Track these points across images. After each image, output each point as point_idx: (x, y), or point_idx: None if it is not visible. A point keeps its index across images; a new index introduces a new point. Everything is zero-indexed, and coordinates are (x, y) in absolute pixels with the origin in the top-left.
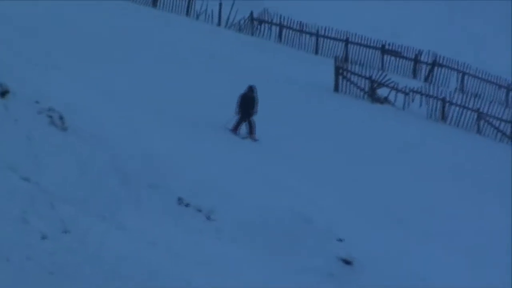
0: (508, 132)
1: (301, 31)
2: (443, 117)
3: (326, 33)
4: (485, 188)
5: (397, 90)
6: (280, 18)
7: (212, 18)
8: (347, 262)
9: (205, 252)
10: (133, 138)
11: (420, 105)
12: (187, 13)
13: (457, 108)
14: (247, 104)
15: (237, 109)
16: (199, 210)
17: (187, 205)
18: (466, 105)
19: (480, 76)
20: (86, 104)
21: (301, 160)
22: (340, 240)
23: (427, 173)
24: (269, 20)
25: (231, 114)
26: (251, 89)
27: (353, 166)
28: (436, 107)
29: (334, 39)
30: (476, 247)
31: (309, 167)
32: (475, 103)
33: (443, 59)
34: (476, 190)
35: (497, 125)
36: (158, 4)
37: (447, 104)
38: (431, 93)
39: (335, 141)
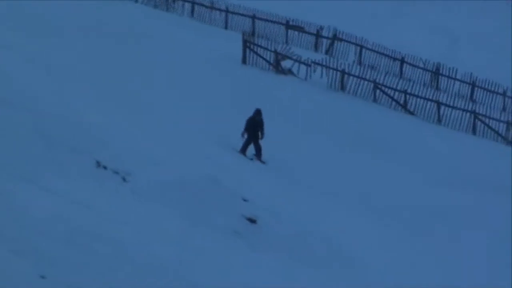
0: (401, 101)
1: (211, 8)
2: (342, 87)
3: (235, 10)
4: (383, 153)
5: (300, 62)
6: None
7: None
8: (251, 221)
9: (122, 210)
10: (59, 107)
11: (321, 76)
12: None
13: (355, 79)
14: (254, 127)
15: (244, 131)
16: (116, 173)
17: (105, 167)
18: (363, 76)
19: (376, 49)
20: (19, 75)
21: (213, 129)
22: (245, 200)
23: (327, 138)
24: None
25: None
26: (258, 113)
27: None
28: (335, 78)
29: (242, 15)
30: (380, 209)
31: (217, 134)
32: (372, 74)
33: (343, 34)
34: (378, 155)
35: (391, 94)
36: None
37: (345, 75)
38: (331, 65)
39: (241, 109)
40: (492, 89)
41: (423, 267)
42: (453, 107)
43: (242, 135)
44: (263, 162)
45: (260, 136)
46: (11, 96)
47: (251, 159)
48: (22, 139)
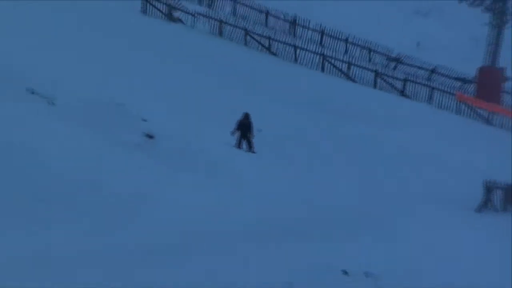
0: (266, 45)
1: None
2: (220, 34)
3: None
4: (253, 88)
5: (187, 13)
6: None
7: None
8: (150, 136)
9: (50, 128)
10: None
11: (204, 24)
12: None
13: (230, 27)
14: (243, 128)
15: (234, 131)
16: (43, 97)
17: (33, 92)
18: (237, 25)
19: (247, 4)
20: None
21: (119, 62)
22: (145, 120)
23: (208, 74)
24: None
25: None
26: (246, 116)
27: (157, 65)
28: (215, 26)
29: None
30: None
31: (124, 67)
32: (243, 23)
33: None
34: (249, 90)
35: (259, 40)
36: None
37: (223, 24)
38: (211, 15)
39: (147, 50)
40: (337, 36)
41: (285, 179)
42: (306, 50)
43: (232, 133)
44: (254, 152)
45: (250, 135)
46: None
47: (246, 151)
48: None
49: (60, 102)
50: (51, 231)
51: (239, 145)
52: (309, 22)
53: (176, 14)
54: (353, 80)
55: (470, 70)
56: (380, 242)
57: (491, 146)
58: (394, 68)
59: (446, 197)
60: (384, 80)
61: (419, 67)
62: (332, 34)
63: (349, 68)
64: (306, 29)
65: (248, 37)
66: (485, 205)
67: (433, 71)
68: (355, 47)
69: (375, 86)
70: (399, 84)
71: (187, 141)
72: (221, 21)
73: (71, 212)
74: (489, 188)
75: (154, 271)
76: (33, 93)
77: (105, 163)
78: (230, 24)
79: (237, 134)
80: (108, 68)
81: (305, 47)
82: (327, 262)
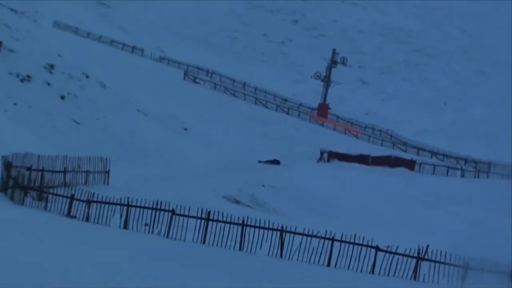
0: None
1: None
2: (215, 88)
3: None
4: None
5: (201, 79)
6: None
7: None
8: (185, 129)
9: (146, 126)
10: None
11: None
12: None
13: (219, 86)
14: None
15: None
16: (142, 112)
17: (138, 111)
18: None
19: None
20: None
21: (172, 99)
22: (183, 122)
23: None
24: None
25: None
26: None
27: (191, 100)
28: (212, 86)
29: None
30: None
31: (178, 101)
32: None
33: (214, 70)
34: None
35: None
36: None
37: (216, 85)
38: (211, 81)
39: (185, 91)
40: None
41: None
42: None
43: None
44: None
45: None
46: None
47: None
48: None
49: (150, 114)
50: (148, 167)
51: None
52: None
53: (197, 80)
54: None
55: (315, 104)
56: (280, 173)
57: (323, 136)
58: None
59: (306, 156)
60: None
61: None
62: None
63: None
64: None
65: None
66: (320, 159)
67: (286, 100)
68: None
69: None
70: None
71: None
72: (215, 84)
73: (156, 158)
74: (321, 152)
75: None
76: (137, 110)
77: (168, 139)
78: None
79: None
80: (172, 101)
81: None
82: (256, 180)
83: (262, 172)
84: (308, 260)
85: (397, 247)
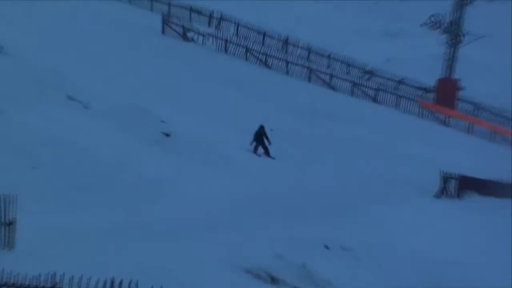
0: (263, 60)
1: None
2: (226, 51)
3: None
4: (251, 93)
5: (199, 34)
6: None
7: None
8: (167, 135)
9: (86, 128)
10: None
11: (212, 42)
12: None
13: (234, 45)
14: (259, 137)
15: (253, 141)
16: (80, 102)
17: (72, 99)
18: (239, 43)
19: (247, 26)
20: None
21: (135, 74)
22: (163, 122)
23: (218, 84)
24: None
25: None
26: (261, 127)
27: (175, 72)
28: (221, 45)
29: (162, 3)
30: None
31: (148, 79)
32: (245, 42)
33: (226, 15)
34: (248, 94)
35: (257, 56)
36: None
37: (228, 43)
38: (218, 36)
39: (167, 60)
40: (321, 53)
41: (282, 169)
42: (296, 64)
43: (251, 143)
44: (272, 158)
45: (266, 142)
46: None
47: (259, 155)
48: (18, 82)
49: (94, 107)
50: (88, 212)
51: (255, 151)
52: (299, 41)
53: (190, 34)
54: (334, 89)
55: (431, 81)
56: (355, 222)
57: (448, 143)
58: (368, 79)
59: (411, 185)
60: (360, 89)
61: (388, 79)
62: (317, 51)
63: (331, 79)
64: (296, 47)
65: (248, 54)
66: (442, 192)
67: (400, 82)
68: (336, 62)
69: (352, 94)
70: (371, 93)
71: (198, 138)
72: (226, 41)
73: (105, 195)
74: (445, 178)
75: (176, 244)
76: (72, 99)
77: (128, 155)
78: (234, 43)
79: (254, 143)
80: (136, 79)
81: (295, 61)
82: (310, 237)
83: (325, 218)
84: None
85: None
